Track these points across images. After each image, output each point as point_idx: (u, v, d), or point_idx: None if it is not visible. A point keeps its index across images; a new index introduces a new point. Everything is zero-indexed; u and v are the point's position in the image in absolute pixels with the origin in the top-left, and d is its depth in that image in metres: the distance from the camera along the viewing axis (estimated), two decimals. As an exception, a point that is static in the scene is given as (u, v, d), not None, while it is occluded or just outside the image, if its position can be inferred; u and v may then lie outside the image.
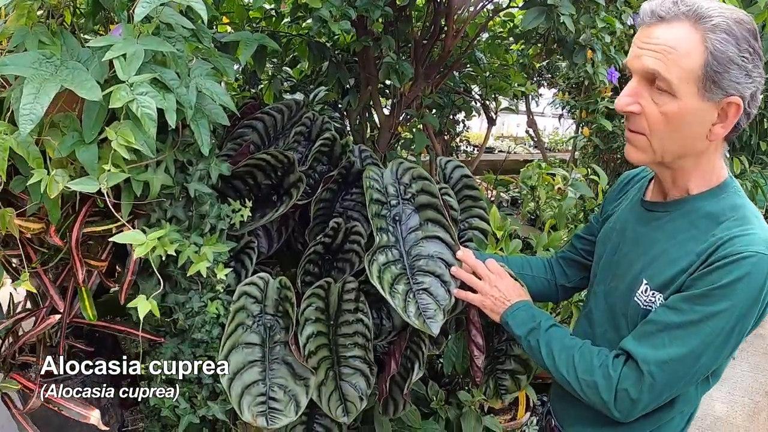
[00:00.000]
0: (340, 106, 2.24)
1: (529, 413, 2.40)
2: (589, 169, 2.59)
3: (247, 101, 1.98)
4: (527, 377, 1.64)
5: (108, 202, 1.04)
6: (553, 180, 2.47)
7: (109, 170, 0.99)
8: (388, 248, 1.51)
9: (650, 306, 1.12)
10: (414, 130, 2.12)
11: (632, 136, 1.09)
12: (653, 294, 1.11)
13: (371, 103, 2.19)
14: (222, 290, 1.43)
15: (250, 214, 1.48)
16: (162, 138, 1.25)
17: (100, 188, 0.99)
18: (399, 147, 2.37)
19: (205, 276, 1.27)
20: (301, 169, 1.61)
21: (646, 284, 1.13)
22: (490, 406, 2.23)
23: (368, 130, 2.34)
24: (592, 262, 1.44)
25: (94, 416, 1.25)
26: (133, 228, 1.30)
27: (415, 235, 1.56)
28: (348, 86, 2.13)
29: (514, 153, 6.20)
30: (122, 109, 1.02)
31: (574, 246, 1.54)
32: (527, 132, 5.97)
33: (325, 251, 1.62)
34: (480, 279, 1.41)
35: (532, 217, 3.22)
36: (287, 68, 2.43)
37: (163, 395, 1.46)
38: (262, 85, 2.22)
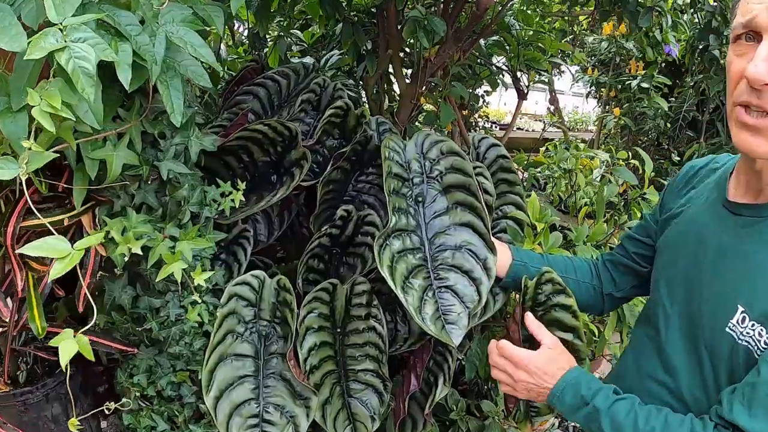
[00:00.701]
0: (355, 73, 1.92)
1: (552, 417, 2.12)
2: (629, 153, 2.26)
3: (248, 64, 1.66)
4: None
5: (20, 188, 0.74)
6: (591, 163, 2.14)
7: (30, 148, 0.69)
8: (407, 233, 1.21)
9: (749, 341, 0.82)
10: (439, 102, 1.80)
11: (762, 122, 0.77)
12: (752, 326, 0.82)
13: (391, 69, 1.87)
14: (206, 292, 1.14)
15: (244, 199, 1.19)
16: (126, 104, 0.96)
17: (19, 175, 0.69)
18: (421, 121, 2.05)
19: (181, 278, 0.98)
20: (306, 144, 1.31)
21: (742, 312, 0.84)
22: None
23: (387, 101, 2.01)
24: (647, 269, 1.15)
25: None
26: (94, 219, 1.01)
27: (441, 220, 1.25)
28: (365, 50, 1.80)
29: (532, 130, 5.84)
30: (55, 62, 0.72)
31: (624, 248, 1.23)
32: (549, 109, 5.60)
33: (332, 244, 1.33)
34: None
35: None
36: (296, 31, 2.10)
37: (137, 414, 1.19)
38: (267, 48, 1.90)
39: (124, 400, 1.19)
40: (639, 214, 1.90)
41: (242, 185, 1.16)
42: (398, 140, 1.29)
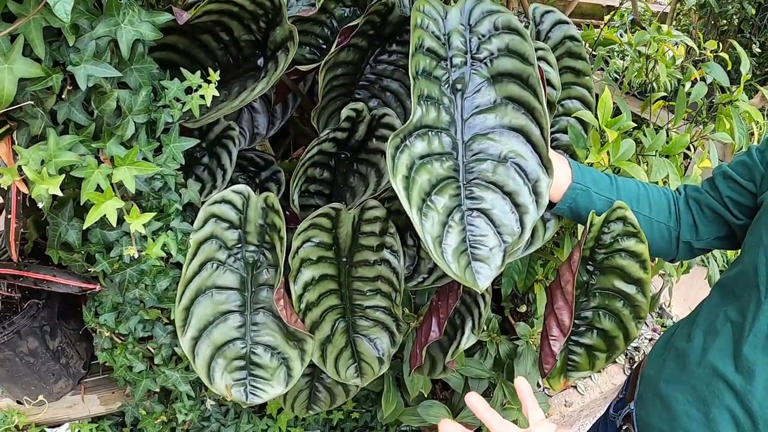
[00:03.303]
0: None
1: (590, 372, 1.85)
2: (719, 43, 1.73)
3: None
4: (607, 357, 1.05)
5: None
6: (675, 51, 1.65)
7: None
8: (435, 132, 0.84)
9: None
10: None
11: None
12: None
13: None
14: (175, 215, 0.85)
15: (219, 93, 0.84)
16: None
17: None
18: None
19: (114, 223, 0.68)
20: (309, 14, 0.93)
21: None
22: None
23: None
24: (741, 222, 0.81)
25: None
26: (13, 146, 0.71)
27: (484, 119, 0.87)
28: None
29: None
30: None
31: (716, 188, 0.85)
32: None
33: (339, 148, 0.99)
34: None
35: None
36: None
37: (111, 352, 0.97)
38: None
39: (96, 338, 0.97)
40: (727, 125, 1.45)
41: (215, 76, 0.81)
42: (437, 4, 0.88)
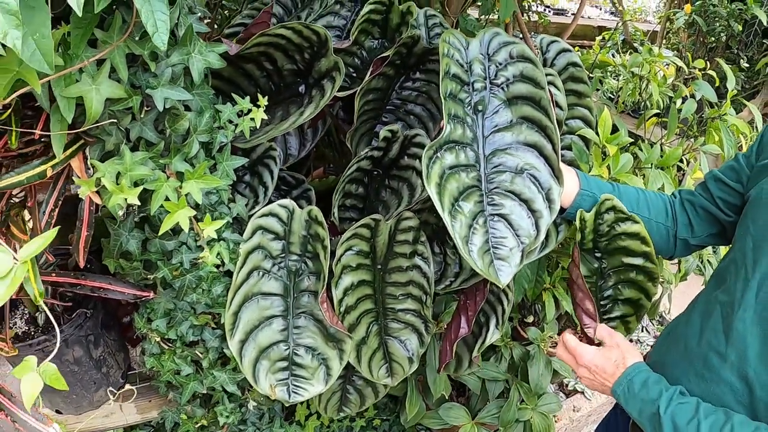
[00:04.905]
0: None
1: None
2: (707, 62, 1.89)
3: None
4: (636, 318, 1.17)
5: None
6: (666, 70, 1.81)
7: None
8: (461, 147, 0.97)
9: None
10: (497, -10, 1.47)
11: None
12: None
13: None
14: (225, 227, 0.96)
15: (266, 116, 0.96)
16: (105, 22, 0.72)
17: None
18: (473, 20, 1.71)
19: (187, 230, 0.79)
20: (341, 45, 1.05)
21: None
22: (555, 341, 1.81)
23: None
24: (731, 219, 0.93)
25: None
26: (85, 161, 0.81)
27: (502, 136, 1.00)
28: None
29: (588, 17, 5.23)
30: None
31: (708, 191, 0.98)
32: (606, -6, 4.96)
33: (373, 166, 1.11)
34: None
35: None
36: None
37: (159, 357, 1.06)
38: None
39: (144, 344, 1.06)
40: (716, 138, 1.61)
41: (263, 100, 0.93)
42: (460, 36, 1.02)
